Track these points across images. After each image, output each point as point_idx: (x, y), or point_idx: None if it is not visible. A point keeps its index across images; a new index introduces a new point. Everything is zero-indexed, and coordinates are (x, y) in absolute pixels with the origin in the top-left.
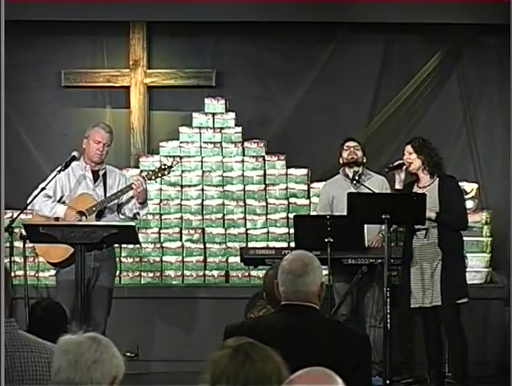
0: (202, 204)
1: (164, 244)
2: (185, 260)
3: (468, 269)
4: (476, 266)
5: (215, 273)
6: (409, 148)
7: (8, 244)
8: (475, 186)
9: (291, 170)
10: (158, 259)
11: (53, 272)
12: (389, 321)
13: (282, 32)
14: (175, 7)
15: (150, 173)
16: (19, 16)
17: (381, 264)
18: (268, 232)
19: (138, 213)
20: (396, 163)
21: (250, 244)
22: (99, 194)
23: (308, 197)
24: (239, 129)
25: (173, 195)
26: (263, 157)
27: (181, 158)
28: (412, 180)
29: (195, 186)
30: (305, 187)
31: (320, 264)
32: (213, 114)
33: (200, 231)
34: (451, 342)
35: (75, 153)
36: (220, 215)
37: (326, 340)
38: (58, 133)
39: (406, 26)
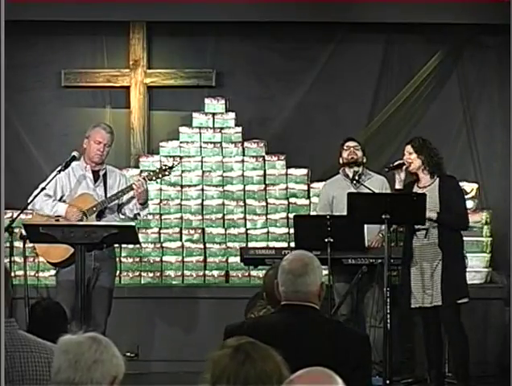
0: (202, 204)
1: (164, 244)
2: (185, 260)
3: (468, 269)
4: (476, 266)
5: (215, 273)
6: (409, 148)
7: (8, 244)
8: (475, 186)
9: (291, 170)
10: (158, 259)
11: (53, 272)
12: (389, 321)
13: (282, 32)
14: (175, 7)
15: (151, 173)
16: (19, 16)
17: (381, 264)
18: (268, 232)
19: (138, 214)
20: (396, 163)
21: (250, 244)
22: (99, 194)
23: (308, 197)
24: (239, 129)
25: (173, 195)
26: (263, 157)
27: (181, 158)
28: (412, 180)
29: (195, 186)
30: (305, 187)
31: (320, 264)
32: (213, 114)
33: (200, 231)
34: (452, 343)
35: (75, 153)
36: (220, 215)
37: (326, 340)
38: (58, 133)
39: (406, 26)
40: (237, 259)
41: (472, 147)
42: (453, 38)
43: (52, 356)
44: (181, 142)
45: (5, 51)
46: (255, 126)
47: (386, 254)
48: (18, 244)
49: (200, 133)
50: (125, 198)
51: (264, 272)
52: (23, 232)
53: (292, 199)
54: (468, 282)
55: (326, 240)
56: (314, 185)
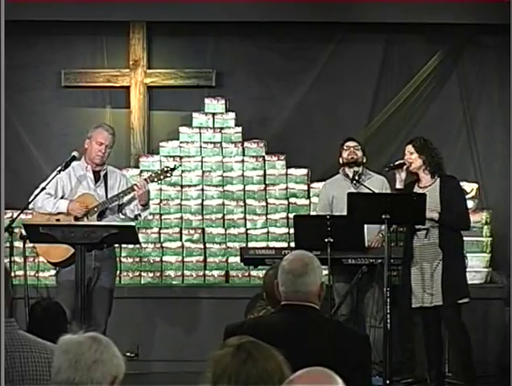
0: (202, 204)
1: (164, 244)
2: (185, 260)
3: (468, 269)
4: (476, 266)
5: (215, 273)
6: (410, 148)
7: (8, 244)
8: (475, 186)
9: (291, 170)
10: (158, 259)
11: (53, 272)
12: (389, 321)
13: (282, 32)
14: (175, 7)
15: (153, 175)
16: (19, 16)
17: (381, 264)
18: (268, 232)
19: (139, 215)
20: (397, 163)
21: (250, 244)
22: (100, 194)
23: (308, 197)
24: (239, 129)
25: (173, 195)
26: (263, 157)
27: (181, 158)
28: (413, 180)
29: (195, 186)
30: (305, 187)
31: (320, 264)
32: (213, 114)
33: (200, 231)
34: (454, 343)
35: (75, 153)
36: (220, 215)
37: (326, 340)
38: (58, 133)
39: (406, 26)
40: (237, 259)
41: (472, 147)
42: (453, 38)
43: (52, 356)
44: (181, 142)
45: (5, 51)
46: (255, 126)
47: (386, 254)
48: (18, 244)
49: (200, 133)
50: (126, 198)
51: (264, 272)
52: (23, 232)
53: (292, 199)
54: (469, 282)
55: (326, 240)
56: (314, 185)
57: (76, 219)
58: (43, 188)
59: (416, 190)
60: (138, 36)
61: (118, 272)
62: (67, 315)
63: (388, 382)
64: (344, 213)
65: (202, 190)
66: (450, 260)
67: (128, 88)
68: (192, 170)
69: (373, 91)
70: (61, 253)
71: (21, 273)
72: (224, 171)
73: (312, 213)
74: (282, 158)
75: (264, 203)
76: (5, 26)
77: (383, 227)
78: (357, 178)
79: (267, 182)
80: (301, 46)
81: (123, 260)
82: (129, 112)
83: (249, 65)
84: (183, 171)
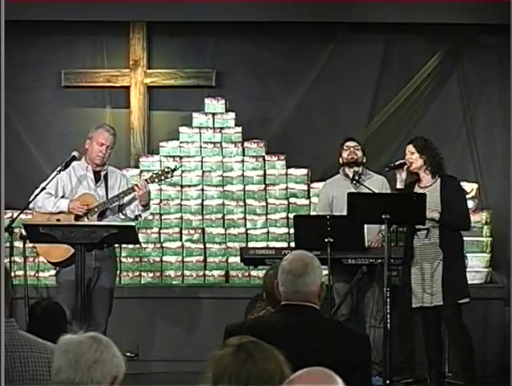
0: (202, 204)
1: (164, 244)
2: (185, 260)
3: (468, 269)
4: (476, 266)
5: (215, 273)
6: (411, 147)
7: (8, 244)
8: (475, 186)
9: (291, 170)
10: (158, 259)
11: (53, 272)
12: (389, 321)
13: (282, 32)
14: (175, 7)
15: (154, 175)
16: (19, 16)
17: (381, 264)
18: (268, 232)
19: (139, 215)
20: (397, 163)
21: (250, 244)
22: (100, 194)
23: (308, 197)
24: (239, 129)
25: (173, 195)
26: (263, 157)
27: (181, 158)
28: (413, 180)
29: (195, 186)
30: (305, 187)
31: (320, 264)
32: (213, 114)
33: (200, 231)
34: (453, 343)
35: (75, 153)
36: (220, 215)
37: (326, 340)
38: (58, 133)
39: (406, 26)
40: (237, 259)
41: (472, 147)
42: (453, 38)
43: (52, 356)
44: (181, 142)
45: (5, 51)
46: (255, 126)
47: (386, 254)
48: (18, 244)
49: (200, 133)
50: (126, 199)
51: (264, 272)
52: (23, 232)
53: (292, 199)
54: (469, 282)
55: (326, 240)
56: (314, 185)
57: (77, 218)
58: (44, 188)
59: (417, 190)
60: (138, 36)
61: (118, 272)
62: (67, 315)
63: (388, 382)
64: (344, 213)
65: (202, 190)
66: (450, 260)
67: (128, 88)
68: (191, 170)
69: (373, 91)
70: (61, 253)
71: (21, 273)
72: (224, 171)
73: (312, 213)
74: (282, 158)
75: (264, 203)
76: (5, 26)
77: (383, 227)
78: (357, 178)
79: (267, 182)
80: (301, 46)
81: (123, 260)
82: (129, 113)
83: (249, 65)
84: (183, 171)
